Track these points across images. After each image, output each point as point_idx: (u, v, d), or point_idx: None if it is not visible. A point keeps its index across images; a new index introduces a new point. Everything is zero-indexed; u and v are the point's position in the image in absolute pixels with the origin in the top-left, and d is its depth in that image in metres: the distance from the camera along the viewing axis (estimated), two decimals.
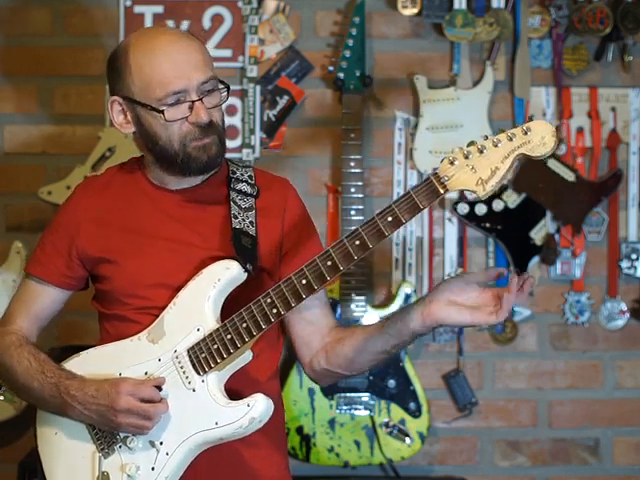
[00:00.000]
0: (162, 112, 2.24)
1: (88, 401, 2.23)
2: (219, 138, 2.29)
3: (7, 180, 3.62)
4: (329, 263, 2.13)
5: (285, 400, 3.49)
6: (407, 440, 3.54)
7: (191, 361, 2.21)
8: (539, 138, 2.03)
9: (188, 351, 2.22)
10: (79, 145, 3.60)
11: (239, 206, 2.34)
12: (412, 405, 3.54)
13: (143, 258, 2.32)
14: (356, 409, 3.53)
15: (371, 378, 3.52)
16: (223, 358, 2.20)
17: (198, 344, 2.21)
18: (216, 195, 2.36)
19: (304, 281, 2.15)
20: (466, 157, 2.05)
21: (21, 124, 3.62)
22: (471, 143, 2.07)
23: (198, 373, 2.21)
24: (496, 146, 2.05)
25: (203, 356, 2.20)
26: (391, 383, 3.54)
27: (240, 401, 2.18)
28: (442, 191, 2.07)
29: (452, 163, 2.06)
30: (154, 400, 2.20)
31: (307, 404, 3.53)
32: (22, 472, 3.30)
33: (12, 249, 3.47)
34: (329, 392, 3.52)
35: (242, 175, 2.40)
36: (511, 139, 2.04)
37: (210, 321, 2.22)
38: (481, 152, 2.05)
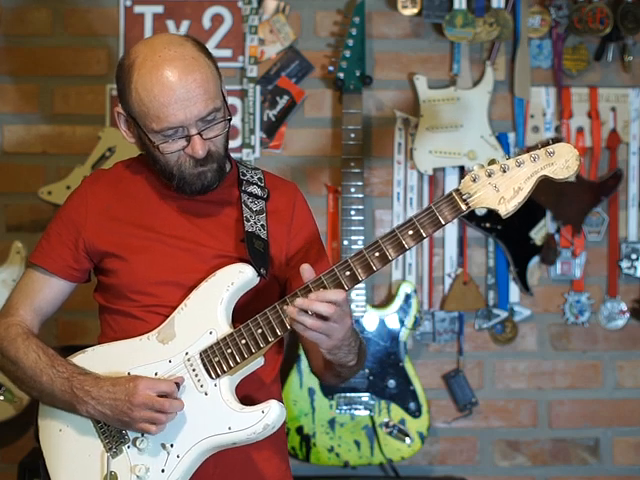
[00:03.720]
0: (157, 147, 2.23)
1: (103, 396, 2.21)
2: (218, 165, 2.28)
3: (7, 180, 3.62)
4: (348, 273, 2.13)
5: (285, 400, 3.49)
6: (407, 440, 3.54)
7: (204, 364, 2.21)
8: (563, 161, 2.06)
9: (201, 354, 2.21)
10: (79, 145, 3.60)
11: (250, 209, 2.34)
12: (412, 405, 3.54)
13: (152, 255, 2.31)
14: (356, 409, 3.53)
15: (371, 378, 3.52)
16: (237, 363, 2.20)
17: (211, 347, 2.21)
18: (227, 196, 2.36)
19: (321, 290, 2.14)
20: (489, 175, 2.08)
21: (21, 124, 3.62)
22: (492, 161, 2.10)
23: (211, 377, 2.21)
24: (519, 166, 2.08)
25: (217, 360, 2.20)
26: (391, 383, 3.54)
27: (254, 407, 2.18)
28: (464, 208, 2.09)
29: (474, 180, 2.09)
30: (171, 396, 2.19)
31: (307, 404, 3.53)
32: (22, 472, 3.30)
33: (12, 249, 3.48)
34: (329, 392, 3.52)
35: (252, 177, 2.40)
36: (534, 160, 2.07)
37: (223, 324, 2.22)
38: (504, 171, 2.08)
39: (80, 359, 2.33)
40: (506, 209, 2.08)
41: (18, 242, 3.48)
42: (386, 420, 3.54)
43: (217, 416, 2.19)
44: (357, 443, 3.54)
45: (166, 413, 2.18)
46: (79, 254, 2.36)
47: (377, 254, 2.12)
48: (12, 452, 3.55)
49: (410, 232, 2.11)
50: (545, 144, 2.09)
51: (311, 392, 3.52)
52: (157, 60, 2.21)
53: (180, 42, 2.25)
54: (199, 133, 2.22)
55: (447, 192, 2.13)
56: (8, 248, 3.49)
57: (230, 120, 2.28)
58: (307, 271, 2.14)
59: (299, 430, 3.53)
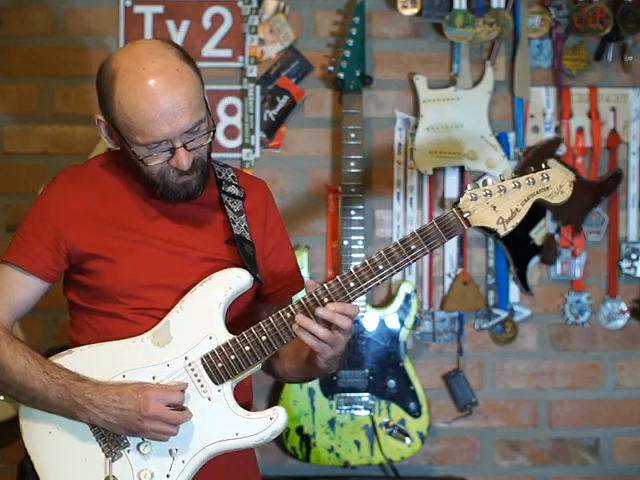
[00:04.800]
0: (142, 160, 2.21)
1: (108, 405, 2.17)
2: (202, 172, 2.25)
3: (7, 180, 3.62)
4: (352, 284, 2.16)
5: (285, 400, 3.51)
6: (407, 440, 3.54)
7: (207, 370, 2.20)
8: (557, 186, 2.16)
9: (202, 359, 2.20)
10: (79, 145, 3.60)
11: (232, 210, 2.33)
12: (412, 405, 3.54)
13: (139, 257, 2.27)
14: (356, 409, 3.53)
15: (371, 378, 3.52)
16: (242, 369, 2.19)
17: (213, 353, 2.20)
18: (208, 197, 2.33)
19: (326, 299, 2.16)
20: (487, 195, 2.15)
21: (21, 124, 3.62)
22: (485, 183, 2.16)
23: (214, 382, 2.20)
24: (516, 188, 2.15)
25: (220, 366, 2.19)
26: (391, 383, 3.54)
27: (261, 413, 2.19)
28: (465, 226, 2.15)
29: (473, 199, 2.15)
30: (179, 405, 2.18)
31: (307, 404, 3.52)
32: (22, 472, 3.29)
33: None
34: (329, 392, 3.52)
35: (227, 176, 2.39)
36: (530, 184, 2.15)
37: (221, 330, 2.21)
38: (501, 192, 2.15)
39: (67, 359, 2.26)
40: (505, 229, 2.16)
41: None
42: (386, 420, 3.54)
43: (223, 422, 2.19)
44: (357, 443, 3.54)
45: (177, 425, 2.17)
46: (60, 256, 2.29)
47: (381, 267, 2.16)
48: (12, 452, 3.54)
49: (413, 247, 2.16)
50: (539, 167, 2.17)
51: (311, 392, 3.52)
52: (140, 73, 2.17)
53: (162, 52, 2.20)
54: (184, 145, 2.19)
55: (447, 210, 2.18)
56: None
57: (214, 132, 2.26)
58: (311, 288, 2.17)
59: (299, 430, 3.53)
